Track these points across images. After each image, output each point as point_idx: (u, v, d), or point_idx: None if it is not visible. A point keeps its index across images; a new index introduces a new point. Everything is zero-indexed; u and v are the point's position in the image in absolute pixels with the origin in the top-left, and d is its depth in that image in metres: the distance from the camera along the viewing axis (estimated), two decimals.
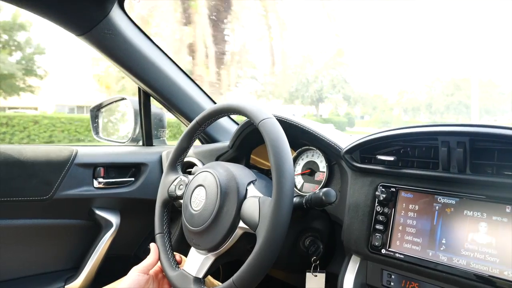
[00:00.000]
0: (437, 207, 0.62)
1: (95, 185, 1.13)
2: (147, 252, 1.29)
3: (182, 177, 0.91)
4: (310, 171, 1.01)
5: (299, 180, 1.04)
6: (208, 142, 1.33)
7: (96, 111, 1.47)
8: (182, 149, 0.93)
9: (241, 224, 0.72)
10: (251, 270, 0.63)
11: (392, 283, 0.66)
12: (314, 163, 1.01)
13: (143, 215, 1.22)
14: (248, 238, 0.69)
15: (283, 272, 1.14)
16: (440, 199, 0.62)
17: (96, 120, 1.45)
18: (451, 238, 0.59)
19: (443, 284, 0.60)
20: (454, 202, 0.61)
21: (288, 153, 0.66)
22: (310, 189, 1.00)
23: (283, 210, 0.62)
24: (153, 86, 1.17)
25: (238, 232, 0.73)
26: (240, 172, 0.79)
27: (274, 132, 0.68)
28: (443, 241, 0.60)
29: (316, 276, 0.81)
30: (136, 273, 0.83)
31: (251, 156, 1.14)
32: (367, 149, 0.74)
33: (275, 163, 0.65)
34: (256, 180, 0.79)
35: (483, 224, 0.57)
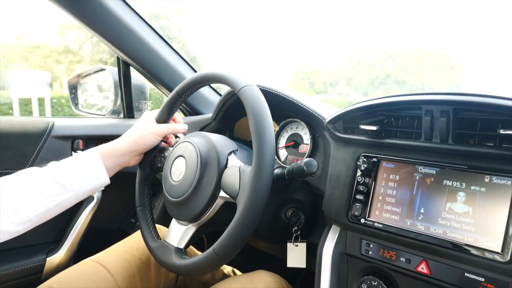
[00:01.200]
0: (417, 177, 0.62)
1: None
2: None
3: (163, 149, 0.90)
4: (294, 143, 1.01)
5: (283, 153, 1.03)
6: (191, 115, 1.30)
7: (74, 82, 1.42)
8: (162, 121, 0.91)
9: (222, 193, 0.71)
10: (232, 238, 0.62)
11: (370, 252, 0.67)
12: (299, 135, 1.00)
13: (126, 188, 1.21)
14: (230, 208, 0.68)
15: (265, 243, 1.16)
16: (420, 169, 0.62)
17: (74, 92, 1.40)
18: (429, 207, 0.59)
19: (419, 253, 0.61)
20: (435, 172, 0.60)
21: (269, 121, 0.65)
22: (294, 161, 0.99)
23: (263, 178, 0.61)
24: (132, 55, 1.13)
25: (219, 202, 0.72)
26: (221, 142, 0.78)
27: (255, 99, 0.66)
28: (422, 211, 0.60)
29: (297, 246, 0.81)
30: (150, 134, 0.85)
31: (236, 128, 1.12)
32: (350, 119, 0.73)
33: (255, 131, 0.63)
34: (237, 150, 0.78)
35: (461, 193, 0.57)
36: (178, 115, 0.95)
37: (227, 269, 1.17)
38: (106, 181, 0.80)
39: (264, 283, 0.78)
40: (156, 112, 0.91)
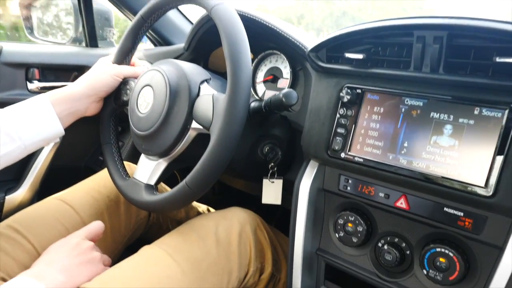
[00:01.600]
0: (403, 109, 0.58)
1: (29, 88, 1.00)
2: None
3: (128, 81, 0.82)
4: (273, 77, 0.95)
5: (260, 88, 0.97)
6: (161, 45, 1.19)
7: (27, 5, 1.25)
8: (126, 50, 0.82)
9: (194, 124, 0.66)
10: (205, 170, 0.59)
11: (348, 188, 0.64)
12: (278, 69, 0.93)
13: (91, 123, 1.12)
14: (203, 140, 0.64)
15: (241, 182, 1.14)
16: (407, 101, 0.58)
17: (28, 16, 1.24)
18: (414, 141, 0.56)
19: (399, 188, 0.59)
20: (422, 104, 0.56)
21: (244, 41, 0.58)
22: None
23: (239, 102, 0.56)
24: None
25: (191, 134, 0.68)
26: (192, 70, 0.71)
27: (229, 18, 0.58)
28: (405, 145, 0.57)
29: (273, 182, 0.79)
30: (108, 75, 0.78)
31: (211, 59, 1.03)
32: (334, 47, 0.66)
33: (230, 53, 0.57)
34: (210, 79, 0.72)
35: (448, 126, 0.54)
36: (137, 59, 0.87)
37: (201, 207, 1.16)
38: (59, 131, 0.72)
39: (238, 219, 0.76)
40: (112, 56, 0.83)
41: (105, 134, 0.86)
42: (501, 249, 0.50)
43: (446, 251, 0.54)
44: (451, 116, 0.54)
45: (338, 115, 0.64)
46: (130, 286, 0.60)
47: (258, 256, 0.77)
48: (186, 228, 0.73)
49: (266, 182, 0.79)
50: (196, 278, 0.65)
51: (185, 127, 0.67)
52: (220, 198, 1.33)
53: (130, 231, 0.88)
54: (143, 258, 0.66)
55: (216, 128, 0.58)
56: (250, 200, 1.11)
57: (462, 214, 0.53)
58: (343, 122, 0.63)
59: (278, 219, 1.29)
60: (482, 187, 0.50)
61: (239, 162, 0.80)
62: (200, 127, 0.65)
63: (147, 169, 0.76)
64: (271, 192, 0.79)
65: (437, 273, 0.54)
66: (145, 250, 0.68)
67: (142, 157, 0.79)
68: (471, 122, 0.52)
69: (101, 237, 0.72)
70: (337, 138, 0.63)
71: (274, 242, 0.82)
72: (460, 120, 0.53)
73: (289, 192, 0.81)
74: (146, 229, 0.95)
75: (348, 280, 0.67)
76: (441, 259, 0.54)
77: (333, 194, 0.67)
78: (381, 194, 0.61)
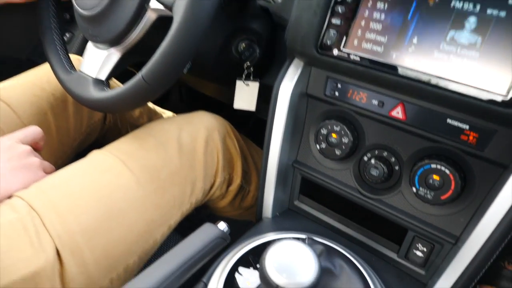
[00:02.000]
0: None
1: None
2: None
3: None
4: None
5: None
6: None
7: None
8: None
9: (154, 3, 0.52)
10: (166, 59, 0.47)
11: (336, 93, 0.55)
12: None
13: (31, 8, 0.93)
14: (165, 27, 0.51)
15: (212, 87, 1.02)
16: None
17: None
18: (426, 37, 0.45)
19: (397, 95, 0.50)
20: None
21: None
22: None
23: None
24: None
25: (150, 16, 0.54)
26: None
27: None
28: (414, 41, 0.46)
29: (248, 85, 0.68)
30: None
31: None
32: None
33: None
34: None
35: (472, 19, 0.43)
36: None
37: (166, 113, 1.05)
38: None
39: (205, 124, 0.66)
40: None
41: (43, 17, 0.70)
42: (506, 168, 0.44)
43: (442, 168, 0.47)
44: (478, 6, 0.42)
45: (334, 2, 0.51)
46: (74, 196, 0.51)
47: (226, 166, 0.69)
48: (143, 133, 0.62)
49: (239, 84, 0.68)
50: (154, 189, 0.56)
51: (142, 7, 0.53)
52: (187, 105, 1.22)
53: (81, 135, 0.77)
54: (91, 164, 0.57)
55: (180, 6, 0.46)
56: (221, 108, 1.00)
57: (467, 127, 0.46)
58: (340, 10, 0.50)
59: (250, 130, 1.22)
60: (502, 94, 0.41)
61: (210, 60, 0.68)
62: (161, 7, 0.51)
63: (96, 61, 0.63)
64: (245, 96, 0.68)
65: (428, 191, 0.48)
66: (94, 155, 0.59)
67: (90, 45, 0.65)
68: (502, 14, 0.41)
69: (42, 144, 0.61)
70: (331, 30, 0.51)
71: (244, 152, 0.74)
72: (489, 11, 0.42)
73: (264, 100, 0.71)
74: (101, 133, 0.85)
75: (325, 196, 0.62)
76: (435, 177, 0.48)
77: (317, 100, 0.58)
78: (375, 102, 0.52)
